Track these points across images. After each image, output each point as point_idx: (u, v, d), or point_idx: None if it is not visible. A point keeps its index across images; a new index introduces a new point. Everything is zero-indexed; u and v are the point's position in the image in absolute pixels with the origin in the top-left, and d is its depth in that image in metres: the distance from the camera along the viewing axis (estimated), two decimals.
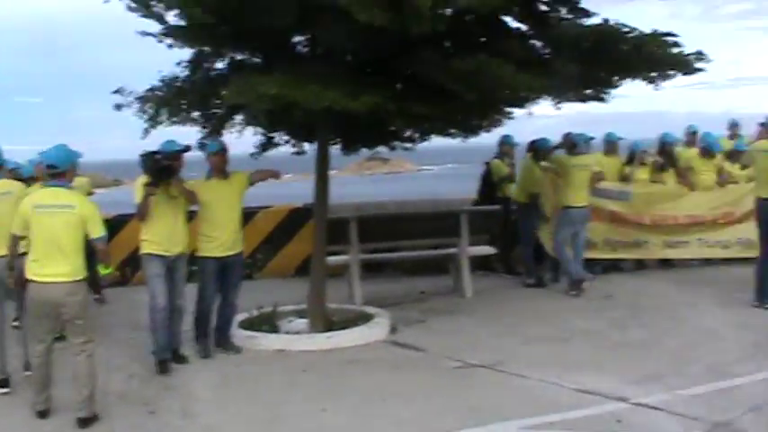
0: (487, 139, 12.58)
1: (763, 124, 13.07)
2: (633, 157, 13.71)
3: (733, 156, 14.19)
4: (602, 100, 10.77)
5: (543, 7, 9.87)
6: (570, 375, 7.98)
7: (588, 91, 10.59)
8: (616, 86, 10.46)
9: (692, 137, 14.92)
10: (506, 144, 13.77)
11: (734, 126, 15.56)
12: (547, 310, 11.14)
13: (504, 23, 9.71)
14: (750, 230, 12.49)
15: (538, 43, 9.95)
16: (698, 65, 9.77)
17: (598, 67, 9.84)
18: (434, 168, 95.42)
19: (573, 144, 12.56)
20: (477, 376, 8.24)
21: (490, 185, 13.73)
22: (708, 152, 13.95)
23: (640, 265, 13.97)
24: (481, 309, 11.30)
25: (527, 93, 9.06)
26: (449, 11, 8.44)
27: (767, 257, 10.97)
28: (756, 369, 8.05)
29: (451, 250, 12.21)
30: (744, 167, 13.31)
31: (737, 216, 13.63)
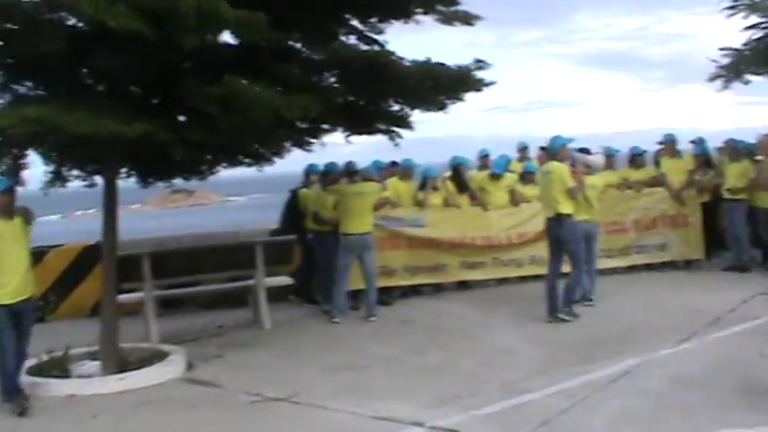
0: (298, 167, 12.51)
1: (543, 148, 13.58)
2: (425, 183, 13.90)
3: (525, 177, 14.60)
4: (392, 136, 10.86)
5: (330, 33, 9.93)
6: (368, 403, 7.94)
7: (381, 126, 10.68)
8: (406, 122, 10.60)
9: (484, 159, 15.29)
10: (313, 173, 13.69)
11: (523, 149, 16.02)
12: (345, 338, 11.09)
13: (289, 49, 9.66)
14: (542, 248, 12.90)
15: (327, 72, 9.98)
16: (480, 75, 9.98)
17: (381, 95, 9.95)
18: (241, 199, 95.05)
19: (352, 172, 12.68)
20: (274, 410, 8.07)
21: (297, 214, 13.56)
22: (495, 174, 14.35)
23: (439, 287, 14.12)
24: (280, 340, 11.16)
25: (290, 114, 8.77)
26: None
27: (556, 274, 11.38)
28: (548, 383, 8.23)
29: (248, 282, 12.06)
30: None
31: (531, 236, 14.01)
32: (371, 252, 12.35)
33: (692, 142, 15.49)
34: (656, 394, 7.73)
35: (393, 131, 10.67)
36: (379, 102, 10.22)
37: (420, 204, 13.72)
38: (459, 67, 9.78)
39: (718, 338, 9.81)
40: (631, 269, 14.80)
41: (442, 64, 9.73)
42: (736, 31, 13.96)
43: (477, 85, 10.08)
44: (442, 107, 10.36)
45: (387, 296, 13.03)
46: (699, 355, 9.11)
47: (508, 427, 7.09)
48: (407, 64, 9.60)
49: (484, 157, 15.32)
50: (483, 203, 14.11)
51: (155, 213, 64.95)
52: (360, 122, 10.33)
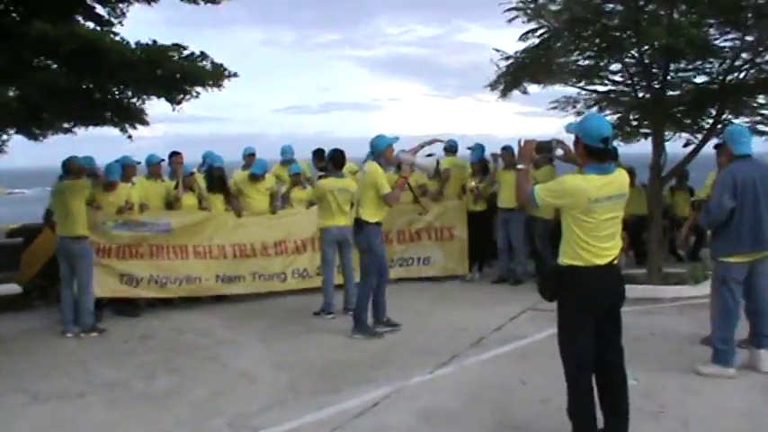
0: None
1: (317, 152, 13.96)
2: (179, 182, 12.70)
3: (295, 180, 13.67)
4: (123, 128, 9.91)
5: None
6: None
7: (111, 117, 9.68)
8: (138, 115, 9.62)
9: (249, 159, 14.25)
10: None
11: (288, 154, 14.90)
12: (72, 357, 9.79)
13: None
14: (304, 260, 12.15)
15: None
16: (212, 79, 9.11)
17: (105, 81, 8.93)
18: (28, 191, 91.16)
19: (74, 170, 11.01)
20: None
21: None
22: (255, 175, 13.33)
23: (192, 297, 12.92)
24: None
25: None
26: None
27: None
28: (282, 419, 7.21)
29: None
30: None
31: (293, 246, 13.05)
32: (81, 261, 10.93)
33: (470, 148, 14.93)
34: None
35: (126, 123, 9.68)
36: (106, 89, 9.12)
37: (172, 205, 12.57)
38: (185, 57, 8.85)
39: (480, 362, 9.03)
40: (398, 281, 13.91)
41: (172, 52, 8.79)
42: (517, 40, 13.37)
43: (214, 78, 9.18)
44: (172, 98, 9.40)
45: (134, 307, 11.89)
46: (456, 382, 8.26)
47: None
48: (132, 48, 8.57)
49: (250, 155, 14.30)
50: (237, 208, 13.04)
51: None
52: (85, 113, 9.23)
